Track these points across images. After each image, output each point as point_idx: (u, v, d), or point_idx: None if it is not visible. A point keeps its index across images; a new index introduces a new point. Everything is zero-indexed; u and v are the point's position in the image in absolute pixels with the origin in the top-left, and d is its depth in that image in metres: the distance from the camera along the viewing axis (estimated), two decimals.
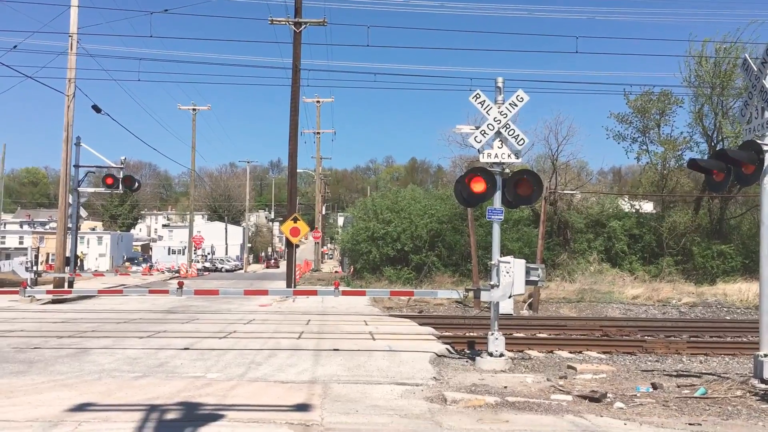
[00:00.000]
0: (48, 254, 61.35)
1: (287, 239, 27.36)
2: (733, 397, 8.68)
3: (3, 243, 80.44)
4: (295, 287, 26.88)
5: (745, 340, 16.37)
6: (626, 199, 40.27)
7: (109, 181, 25.12)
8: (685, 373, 11.60)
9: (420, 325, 16.94)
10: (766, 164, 9.29)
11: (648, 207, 43.67)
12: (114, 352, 11.45)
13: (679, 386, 9.60)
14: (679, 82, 37.33)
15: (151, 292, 14.51)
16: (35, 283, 23.21)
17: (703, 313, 24.51)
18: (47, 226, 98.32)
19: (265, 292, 13.86)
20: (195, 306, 22.02)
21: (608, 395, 8.71)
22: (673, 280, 32.32)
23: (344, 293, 12.77)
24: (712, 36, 36.36)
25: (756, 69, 9.64)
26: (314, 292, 14.64)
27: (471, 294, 11.73)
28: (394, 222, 34.82)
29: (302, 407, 7.45)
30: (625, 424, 7.19)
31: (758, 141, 9.44)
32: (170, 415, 6.98)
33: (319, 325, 16.48)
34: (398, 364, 10.61)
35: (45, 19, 71.22)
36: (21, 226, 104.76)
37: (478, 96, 11.60)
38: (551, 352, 14.40)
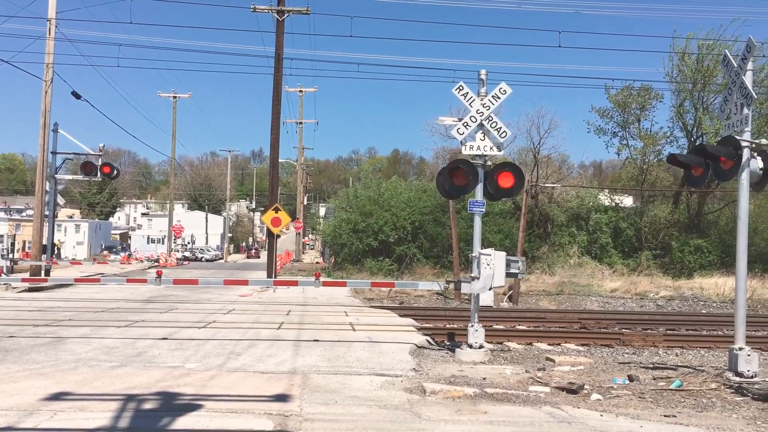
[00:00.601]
0: (24, 242, 60.61)
1: (268, 229, 27.27)
2: (708, 389, 8.80)
3: None
4: (275, 278, 26.80)
5: (720, 333, 16.58)
6: (606, 193, 40.62)
7: (88, 168, 24.88)
8: (661, 365, 11.73)
9: (400, 316, 16.97)
10: (743, 160, 9.38)
11: (628, 201, 44.10)
12: (91, 341, 11.34)
13: (655, 378, 9.70)
14: (660, 77, 37.66)
15: (129, 281, 14.39)
16: (11, 270, 23.03)
17: (680, 307, 24.80)
18: (24, 214, 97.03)
19: (245, 282, 13.78)
20: (174, 296, 21.89)
21: (585, 387, 8.78)
22: (651, 273, 32.70)
23: (325, 284, 12.73)
24: (696, 33, 36.66)
25: (736, 65, 9.72)
26: (295, 283, 14.57)
27: (452, 286, 11.73)
28: (375, 214, 34.81)
29: (281, 397, 7.43)
30: (601, 415, 7.26)
31: (737, 137, 9.53)
32: (148, 405, 6.93)
33: (300, 315, 16.46)
34: (378, 355, 10.62)
35: (23, 3, 70.24)
36: None
37: (461, 88, 11.59)
38: (530, 344, 14.49)
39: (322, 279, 12.32)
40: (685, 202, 38.58)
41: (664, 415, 7.36)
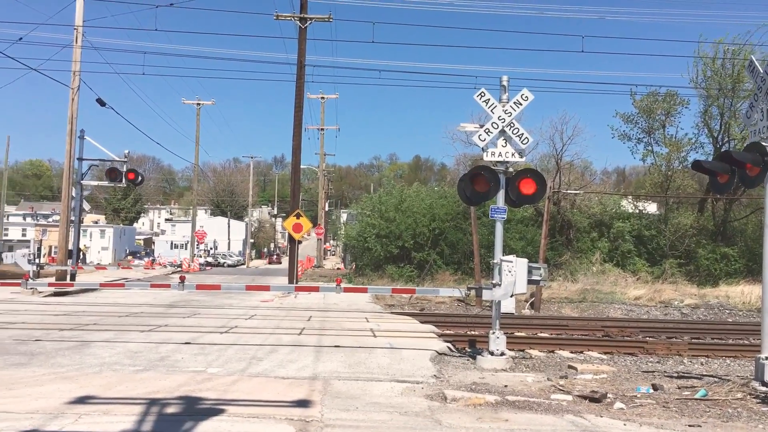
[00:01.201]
0: (51, 247, 61.50)
1: (290, 235, 27.40)
2: (733, 399, 8.67)
3: (6, 235, 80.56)
4: (297, 283, 26.91)
5: (746, 342, 16.33)
6: (630, 200, 40.24)
7: (113, 174, 25.19)
8: (685, 374, 11.58)
9: (421, 323, 16.94)
10: None
11: (652, 208, 43.66)
12: (115, 345, 11.46)
13: (679, 388, 9.58)
14: (685, 83, 37.30)
15: (152, 286, 14.55)
16: (38, 275, 23.36)
17: (705, 315, 24.47)
18: (50, 219, 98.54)
19: (267, 288, 13.87)
20: (197, 301, 22.05)
21: (608, 396, 8.70)
22: (676, 281, 32.29)
23: (346, 290, 12.75)
24: (722, 37, 36.23)
25: (762, 71, 9.61)
26: (316, 289, 14.63)
27: (473, 292, 11.70)
28: (398, 220, 34.83)
29: (302, 403, 7.45)
30: (624, 424, 7.18)
31: (763, 143, 9.41)
32: (170, 409, 6.99)
33: (321, 321, 16.49)
34: (399, 361, 10.61)
35: (50, 12, 71.39)
36: (24, 219, 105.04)
37: (482, 94, 11.58)
38: (552, 351, 14.39)
39: (343, 285, 12.35)
40: (711, 209, 38.09)
41: (689, 425, 7.27)
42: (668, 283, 31.72)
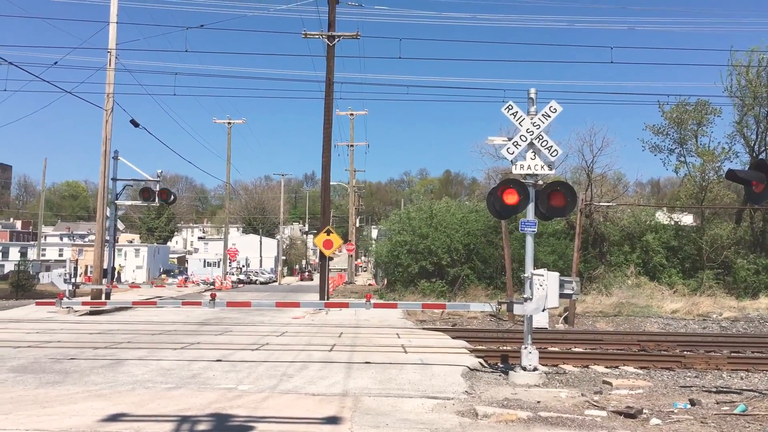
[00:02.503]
0: (87, 266, 62.55)
1: (320, 252, 27.45)
2: None
3: (44, 255, 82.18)
4: (328, 300, 26.93)
5: None
6: (665, 211, 39.59)
7: (146, 194, 25.57)
8: (724, 389, 11.29)
9: (453, 338, 16.80)
10: None
11: (688, 219, 42.90)
12: (148, 363, 11.56)
13: (718, 403, 9.33)
14: (717, 92, 36.80)
15: (184, 304, 14.71)
16: (73, 294, 23.74)
17: (745, 328, 23.87)
18: (86, 239, 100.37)
19: (297, 305, 13.89)
20: (229, 318, 22.18)
21: (644, 411, 8.51)
22: (714, 294, 31.57)
23: (376, 305, 12.73)
24: (756, 46, 35.65)
25: None
26: (346, 305, 14.63)
27: (504, 307, 11.57)
28: (431, 236, 34.72)
29: (332, 420, 7.42)
30: None
31: None
32: (201, 426, 7.01)
33: (352, 337, 16.45)
34: (430, 377, 10.52)
35: (84, 36, 73.21)
36: (61, 239, 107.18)
37: (510, 107, 11.53)
38: (586, 366, 14.14)
39: (373, 301, 12.32)
40: (749, 220, 37.29)
41: None
42: (706, 295, 31.04)
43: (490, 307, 12.43)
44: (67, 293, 23.25)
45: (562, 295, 11.10)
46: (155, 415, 7.52)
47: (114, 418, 7.30)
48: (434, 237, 34.36)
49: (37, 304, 18.94)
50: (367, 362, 12.01)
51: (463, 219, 35.83)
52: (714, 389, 11.18)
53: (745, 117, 36.25)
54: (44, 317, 21.25)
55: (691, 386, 11.65)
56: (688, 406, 9.04)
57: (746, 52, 35.58)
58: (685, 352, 15.82)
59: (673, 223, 38.16)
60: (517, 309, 11.12)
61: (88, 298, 24.91)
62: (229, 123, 57.55)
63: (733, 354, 15.99)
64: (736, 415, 8.41)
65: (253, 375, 10.44)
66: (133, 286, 44.83)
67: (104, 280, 25.36)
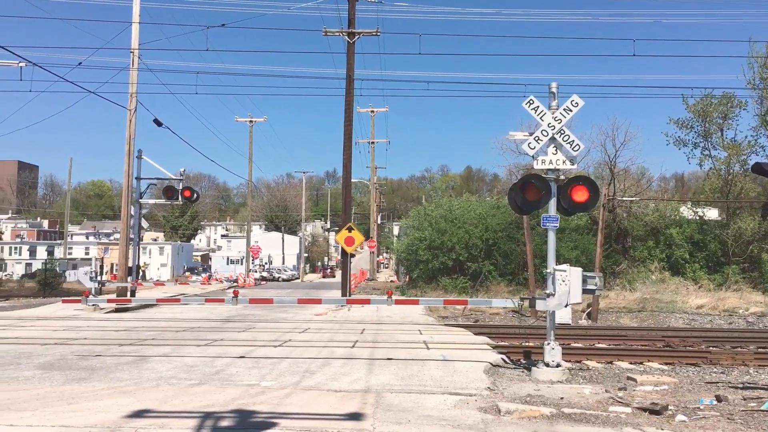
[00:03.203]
0: (112, 264, 63.31)
1: (342, 249, 27.52)
2: None
3: (70, 254, 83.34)
4: (350, 296, 26.99)
5: None
6: (689, 206, 39.11)
7: (169, 192, 25.78)
8: (751, 385, 11.14)
9: (475, 334, 16.75)
10: None
11: (713, 214, 42.34)
12: (172, 359, 11.67)
13: (745, 399, 9.21)
14: (742, 84, 36.13)
15: (207, 301, 14.84)
16: (99, 292, 24.01)
17: None
18: (111, 237, 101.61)
19: (318, 301, 13.94)
20: (252, 315, 22.32)
21: (669, 408, 8.42)
22: (740, 289, 31.15)
23: (397, 302, 12.74)
24: None
25: None
26: (367, 301, 14.66)
27: (526, 303, 11.51)
28: (449, 232, 34.62)
29: (354, 416, 7.43)
30: None
31: None
32: (224, 423, 7.06)
33: (374, 334, 16.47)
34: (452, 373, 10.50)
35: (107, 37, 73.97)
36: (87, 238, 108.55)
37: (531, 102, 11.45)
38: (610, 362, 14.03)
39: (394, 297, 12.32)
40: None
41: None
42: (732, 291, 30.65)
43: (513, 303, 12.37)
44: (93, 291, 23.57)
45: (585, 291, 11.02)
46: (179, 411, 7.59)
47: (138, 414, 7.38)
48: (452, 232, 34.28)
49: (64, 301, 19.21)
50: (389, 358, 12.02)
51: (483, 215, 35.69)
52: (740, 385, 11.03)
53: None
54: (70, 315, 21.55)
55: (717, 382, 11.51)
56: (714, 402, 8.94)
57: (766, 43, 35.00)
58: (711, 348, 15.64)
59: (697, 217, 37.68)
60: (540, 305, 11.07)
61: (113, 296, 25.20)
62: (251, 121, 57.85)
63: (760, 350, 15.78)
64: (763, 411, 8.29)
65: (275, 371, 10.50)
66: (158, 283, 45.28)
67: (129, 278, 25.62)
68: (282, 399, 8.34)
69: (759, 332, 19.94)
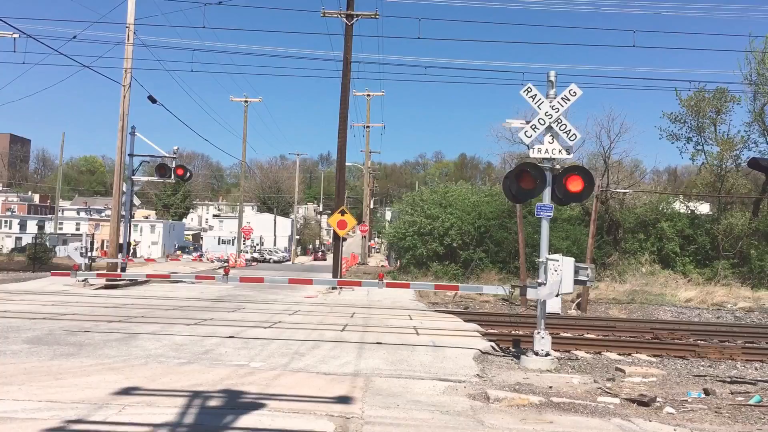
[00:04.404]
0: (103, 241, 63.08)
1: (334, 232, 27.47)
2: None
3: (61, 229, 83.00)
4: (341, 279, 26.97)
5: None
6: (681, 200, 39.24)
7: (162, 170, 25.64)
8: (739, 379, 11.20)
9: (465, 321, 16.78)
10: None
11: (704, 209, 42.51)
12: (161, 338, 11.62)
13: (732, 393, 9.26)
14: (737, 79, 36.11)
15: (198, 277, 14.77)
16: (89, 268, 23.95)
17: (760, 319, 23.67)
18: (103, 214, 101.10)
19: (309, 281, 13.91)
20: (242, 296, 22.29)
21: (658, 399, 8.45)
22: (729, 283, 31.35)
23: (388, 285, 12.75)
24: None
25: None
26: (358, 283, 14.65)
27: (517, 291, 11.51)
28: (441, 217, 34.61)
29: (343, 399, 7.42)
30: (674, 429, 6.95)
31: None
32: (213, 402, 7.03)
33: (364, 318, 16.47)
34: (441, 359, 10.50)
35: (103, 10, 73.30)
36: (78, 213, 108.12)
37: (529, 90, 11.38)
38: (599, 353, 14.09)
39: (385, 280, 12.31)
40: (766, 210, 36.84)
41: None
42: (721, 285, 30.83)
43: (503, 291, 12.36)
44: (83, 266, 23.47)
45: (577, 282, 11.01)
46: (167, 389, 7.56)
47: (126, 391, 7.34)
48: (444, 219, 34.28)
49: (53, 274, 19.12)
50: (378, 343, 12.01)
51: (476, 202, 35.71)
52: (728, 379, 11.09)
53: (765, 106, 35.70)
54: (60, 290, 21.44)
55: (705, 375, 11.57)
56: (702, 395, 8.98)
57: (764, 38, 34.96)
58: (699, 342, 15.72)
59: (689, 211, 37.82)
60: (531, 293, 11.06)
61: (104, 272, 25.11)
62: (246, 101, 57.55)
63: (747, 344, 15.87)
64: (751, 405, 8.33)
65: (264, 352, 10.47)
66: (149, 260, 45.23)
67: (120, 255, 25.53)
68: (271, 380, 8.31)
69: (747, 327, 20.05)
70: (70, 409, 6.43)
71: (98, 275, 18.60)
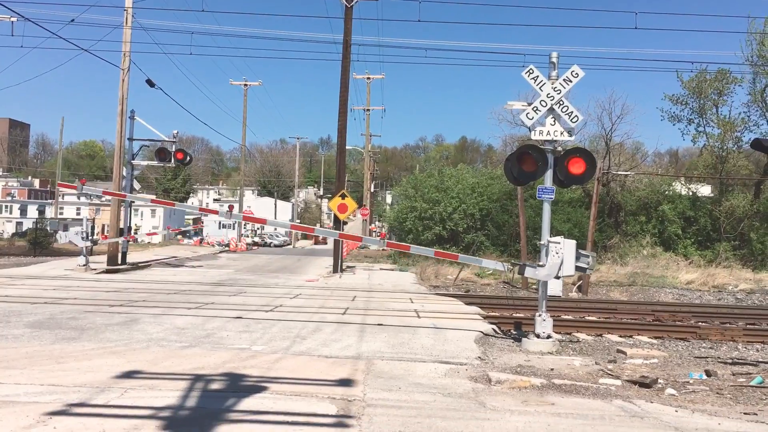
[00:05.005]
0: (103, 225, 63.14)
1: (335, 216, 27.43)
2: None
3: (61, 213, 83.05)
4: (342, 264, 27.00)
5: None
6: (682, 182, 39.17)
7: (162, 154, 25.57)
8: (740, 361, 11.20)
9: (466, 304, 16.80)
10: None
11: (705, 191, 42.46)
12: (162, 321, 11.63)
13: (734, 374, 9.26)
14: (739, 61, 35.86)
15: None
16: (91, 252, 23.93)
17: (761, 301, 23.70)
18: (103, 198, 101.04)
19: (358, 239, 13.94)
20: (243, 279, 22.31)
21: (659, 381, 8.45)
22: (730, 265, 31.36)
23: (389, 245, 13.38)
24: None
25: None
26: (359, 238, 14.89)
27: (517, 269, 11.47)
28: (443, 202, 34.54)
29: (345, 382, 7.42)
30: (676, 411, 6.95)
31: None
32: (214, 386, 7.03)
33: (365, 301, 16.49)
34: (443, 342, 10.51)
35: None
36: (78, 198, 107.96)
37: (531, 71, 11.29)
38: (600, 335, 14.09)
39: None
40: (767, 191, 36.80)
41: (744, 413, 7.00)
42: (722, 267, 30.84)
43: (502, 266, 12.36)
44: (84, 250, 23.48)
45: (577, 269, 11.00)
46: (169, 373, 7.56)
47: (128, 375, 7.34)
48: (446, 202, 34.22)
49: (56, 259, 19.04)
50: (380, 324, 12.02)
51: (476, 184, 35.63)
52: (729, 360, 11.10)
53: (767, 87, 35.52)
54: (61, 274, 21.45)
55: (707, 357, 11.58)
56: (704, 376, 8.98)
57: (765, 18, 34.73)
58: (700, 323, 15.72)
59: (690, 193, 37.76)
60: (529, 272, 11.01)
61: (104, 257, 25.13)
62: (246, 85, 57.30)
63: (748, 326, 15.88)
64: (753, 387, 8.33)
65: (266, 336, 10.48)
66: (150, 234, 45.73)
67: (120, 239, 25.52)
68: (272, 363, 8.31)
69: (748, 309, 20.07)
70: (72, 393, 6.43)
71: (104, 242, 18.58)
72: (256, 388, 6.90)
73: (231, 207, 12.44)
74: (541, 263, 10.81)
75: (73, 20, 25.09)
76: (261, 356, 8.78)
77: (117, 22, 27.16)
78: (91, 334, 10.04)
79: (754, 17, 35.30)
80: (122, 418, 5.69)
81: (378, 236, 26.63)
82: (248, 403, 6.34)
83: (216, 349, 9.22)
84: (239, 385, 7.08)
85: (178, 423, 5.64)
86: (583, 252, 11.00)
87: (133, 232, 47.91)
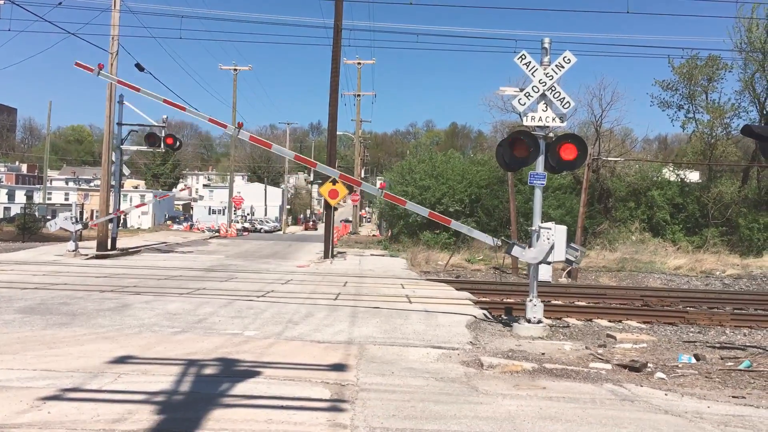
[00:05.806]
0: (92, 211, 62.77)
1: (325, 201, 27.40)
2: None
3: (50, 199, 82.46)
4: (333, 249, 27.01)
5: None
6: (671, 168, 39.37)
7: (151, 139, 25.42)
8: (728, 345, 11.33)
9: (457, 290, 16.87)
10: None
11: (694, 177, 42.70)
12: (154, 307, 11.62)
13: (722, 358, 9.37)
14: (729, 47, 36.02)
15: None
16: (80, 237, 23.80)
17: (748, 286, 23.95)
18: (92, 184, 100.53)
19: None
20: (234, 265, 22.29)
21: (649, 365, 8.54)
22: (718, 251, 31.62)
23: (386, 196, 13.97)
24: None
25: None
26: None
27: (506, 247, 11.50)
28: (432, 188, 34.56)
29: (338, 367, 7.45)
30: (666, 394, 7.03)
31: None
32: (208, 371, 7.04)
33: (356, 287, 16.52)
34: (434, 327, 10.56)
35: None
36: (66, 183, 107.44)
37: (523, 57, 11.28)
38: (590, 320, 14.21)
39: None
40: (755, 178, 37.05)
41: (733, 396, 7.10)
42: (710, 253, 31.09)
43: (492, 241, 12.36)
44: (74, 236, 23.36)
45: (566, 261, 11.06)
46: (162, 358, 7.56)
47: (121, 360, 7.35)
48: (436, 188, 34.25)
49: (47, 245, 18.94)
50: (373, 308, 12.06)
51: (466, 170, 35.67)
52: (718, 345, 11.22)
53: (755, 74, 35.66)
54: (50, 260, 21.35)
55: (695, 341, 11.70)
56: (693, 360, 9.08)
57: (753, 3, 34.75)
58: (688, 308, 15.88)
59: (679, 180, 37.98)
60: (516, 251, 11.05)
61: (94, 242, 25.03)
62: (235, 70, 56.96)
63: (736, 311, 16.06)
64: (741, 370, 8.43)
65: (258, 321, 10.49)
66: (138, 205, 45.14)
67: (110, 225, 25.40)
68: (265, 348, 8.33)
69: (735, 294, 20.28)
70: (65, 378, 6.43)
71: (92, 226, 18.48)
72: (250, 373, 6.92)
73: (240, 124, 12.29)
74: (532, 248, 10.85)
75: (60, 3, 24.83)
76: (254, 341, 8.80)
77: (105, 5, 26.86)
78: (82, 320, 10.02)
79: (743, 2, 35.30)
80: (116, 403, 5.70)
81: (368, 222, 26.54)
82: (242, 387, 6.36)
83: (208, 334, 9.23)
84: (232, 370, 7.09)
85: (173, 407, 5.66)
86: (573, 245, 11.07)
87: (122, 217, 47.54)
